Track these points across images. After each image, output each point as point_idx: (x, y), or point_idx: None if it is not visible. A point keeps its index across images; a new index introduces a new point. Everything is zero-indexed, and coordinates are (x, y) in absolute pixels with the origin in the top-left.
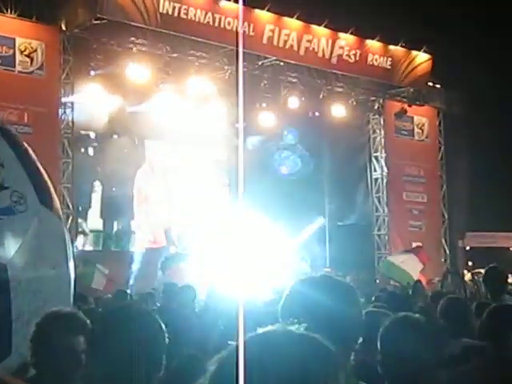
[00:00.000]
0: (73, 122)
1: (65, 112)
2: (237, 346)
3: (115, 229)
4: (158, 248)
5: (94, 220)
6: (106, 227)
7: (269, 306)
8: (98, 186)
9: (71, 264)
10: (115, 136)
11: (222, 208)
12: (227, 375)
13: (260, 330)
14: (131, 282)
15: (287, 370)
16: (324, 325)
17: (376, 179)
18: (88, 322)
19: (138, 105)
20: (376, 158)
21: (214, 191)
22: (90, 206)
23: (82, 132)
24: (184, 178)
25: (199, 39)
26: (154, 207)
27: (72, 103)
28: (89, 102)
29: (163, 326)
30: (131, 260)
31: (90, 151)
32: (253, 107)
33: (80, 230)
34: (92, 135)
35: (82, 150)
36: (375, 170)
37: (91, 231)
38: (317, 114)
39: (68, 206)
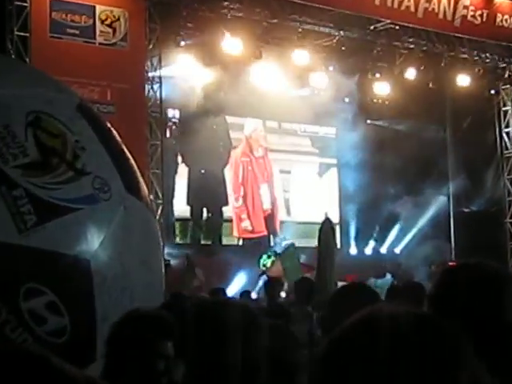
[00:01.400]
0: (161, 100)
1: (152, 88)
2: (346, 327)
3: (204, 217)
4: (257, 238)
5: (179, 207)
6: (194, 215)
7: None
8: (183, 168)
9: (162, 259)
10: (207, 113)
11: (330, 190)
12: (338, 358)
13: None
14: (228, 278)
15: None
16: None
17: (508, 158)
18: (176, 324)
19: (233, 78)
20: (507, 133)
21: (320, 172)
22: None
23: (169, 109)
24: (286, 157)
25: (302, 2)
26: (252, 191)
27: (160, 78)
28: (178, 75)
29: (262, 323)
30: (227, 253)
31: (177, 131)
32: (365, 77)
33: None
34: (177, 113)
35: (168, 129)
36: (507, 148)
37: (177, 220)
38: (438, 84)
39: (157, 195)
